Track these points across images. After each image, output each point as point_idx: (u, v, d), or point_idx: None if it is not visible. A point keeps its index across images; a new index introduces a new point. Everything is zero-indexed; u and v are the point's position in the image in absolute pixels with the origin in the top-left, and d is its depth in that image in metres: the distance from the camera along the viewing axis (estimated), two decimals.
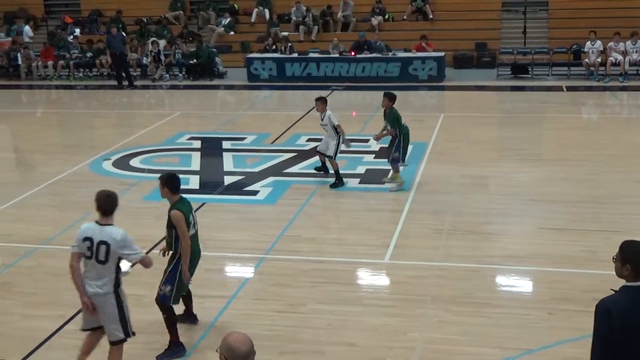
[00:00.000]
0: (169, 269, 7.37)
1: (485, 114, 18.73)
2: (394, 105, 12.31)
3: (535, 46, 23.59)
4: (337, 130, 12.35)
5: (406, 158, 12.42)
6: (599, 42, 21.59)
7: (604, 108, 19.49)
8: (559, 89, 20.97)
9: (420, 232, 10.43)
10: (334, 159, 12.45)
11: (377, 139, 12.69)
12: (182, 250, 7.29)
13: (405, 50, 22.99)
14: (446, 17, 25.46)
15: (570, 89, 20.88)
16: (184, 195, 7.48)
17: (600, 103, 19.83)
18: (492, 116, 18.81)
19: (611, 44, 21.56)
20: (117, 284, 6.51)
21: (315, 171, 13.11)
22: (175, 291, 7.35)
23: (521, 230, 10.64)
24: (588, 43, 21.72)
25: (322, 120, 12.54)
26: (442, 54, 22.63)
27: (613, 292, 4.69)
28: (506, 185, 12.49)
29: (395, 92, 12.79)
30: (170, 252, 7.46)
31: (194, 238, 7.50)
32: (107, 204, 6.47)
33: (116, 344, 6.64)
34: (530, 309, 8.19)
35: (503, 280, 9.03)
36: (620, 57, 21.40)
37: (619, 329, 4.52)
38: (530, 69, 22.74)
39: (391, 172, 12.43)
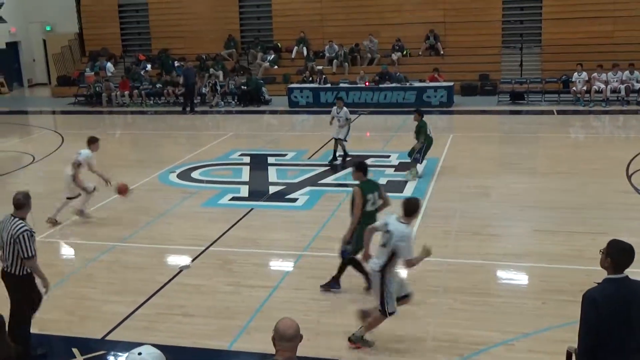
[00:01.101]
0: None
1: (488, 134, 18.56)
2: (422, 118, 13.39)
3: (530, 77, 23.36)
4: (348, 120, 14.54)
5: (424, 159, 13.49)
6: (584, 73, 21.36)
7: (589, 129, 19.22)
8: (550, 112, 20.71)
9: (433, 233, 10.31)
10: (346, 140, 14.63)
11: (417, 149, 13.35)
12: (353, 217, 7.84)
13: (420, 81, 22.87)
14: (455, 52, 25.31)
15: (560, 112, 20.61)
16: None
17: (586, 124, 19.56)
18: (493, 136, 18.65)
19: (595, 74, 21.32)
20: (384, 268, 6.72)
21: (335, 162, 14.55)
22: (351, 248, 8.01)
23: (518, 232, 10.50)
24: (575, 74, 21.49)
25: (337, 113, 14.56)
26: (451, 83, 22.49)
27: (596, 284, 4.63)
28: (506, 194, 12.36)
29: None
30: None
31: (369, 214, 7.86)
32: (409, 208, 6.83)
33: (379, 312, 6.89)
34: (527, 298, 8.09)
35: (503, 274, 8.92)
36: (602, 86, 21.13)
37: (604, 317, 4.46)
38: (526, 96, 22.48)
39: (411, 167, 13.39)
